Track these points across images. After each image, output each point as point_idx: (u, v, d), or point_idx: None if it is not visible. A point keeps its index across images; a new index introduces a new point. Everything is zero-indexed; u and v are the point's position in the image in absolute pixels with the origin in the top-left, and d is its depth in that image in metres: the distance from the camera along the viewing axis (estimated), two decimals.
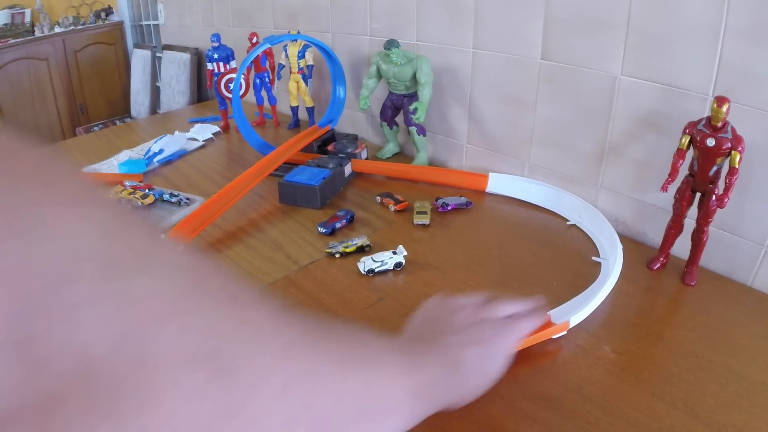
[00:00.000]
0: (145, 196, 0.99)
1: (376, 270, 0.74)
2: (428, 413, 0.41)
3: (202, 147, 1.33)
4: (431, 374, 0.41)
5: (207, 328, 0.23)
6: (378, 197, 0.96)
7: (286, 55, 1.32)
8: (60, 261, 0.19)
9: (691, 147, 0.67)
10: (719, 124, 0.62)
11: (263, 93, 1.43)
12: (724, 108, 0.60)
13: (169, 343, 0.21)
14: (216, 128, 1.42)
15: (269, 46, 1.14)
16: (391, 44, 1.02)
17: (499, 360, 0.48)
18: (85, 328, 0.19)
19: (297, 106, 1.41)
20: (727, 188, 0.63)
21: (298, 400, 0.27)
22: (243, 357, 0.24)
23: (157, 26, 2.37)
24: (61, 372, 0.18)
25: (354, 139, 1.20)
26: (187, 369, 0.22)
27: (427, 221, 0.87)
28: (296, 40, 1.28)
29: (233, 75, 1.38)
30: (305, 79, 1.33)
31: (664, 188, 0.68)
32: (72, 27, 2.65)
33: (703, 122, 0.64)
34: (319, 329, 0.32)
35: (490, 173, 0.98)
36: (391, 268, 0.75)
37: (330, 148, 1.15)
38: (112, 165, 1.22)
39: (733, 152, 0.62)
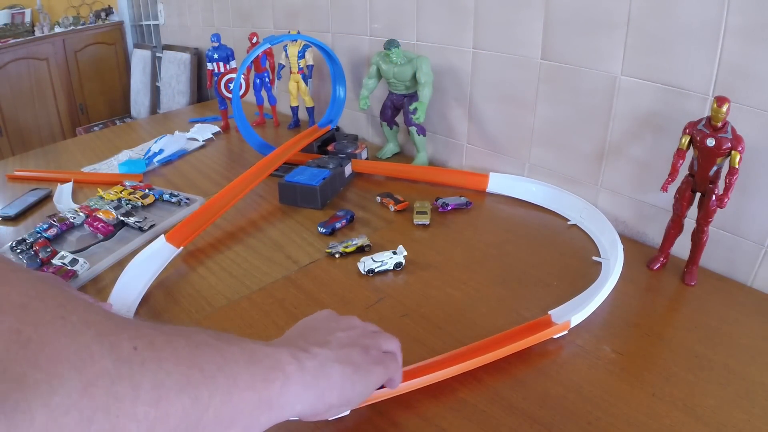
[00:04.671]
0: (145, 196, 0.99)
1: (376, 270, 0.74)
2: (279, 421, 0.39)
3: (202, 147, 1.33)
4: (289, 382, 0.40)
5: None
6: (378, 197, 0.96)
7: (286, 55, 1.32)
8: None
9: (691, 147, 0.67)
10: (719, 124, 0.62)
11: (263, 93, 1.43)
12: (724, 108, 0.60)
13: None
14: (216, 128, 1.42)
15: (269, 46, 1.14)
16: (391, 44, 1.02)
17: (362, 388, 0.45)
18: None
19: (297, 106, 1.41)
20: (727, 188, 0.63)
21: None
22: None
23: (157, 26, 2.37)
24: None
25: (354, 139, 1.20)
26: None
27: (427, 221, 0.87)
28: (296, 40, 1.28)
29: (233, 75, 1.38)
30: (305, 79, 1.33)
31: (664, 188, 0.68)
32: (72, 27, 2.65)
33: (703, 122, 0.64)
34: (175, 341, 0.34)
35: (491, 173, 0.98)
36: (391, 268, 0.75)
37: (330, 148, 1.15)
38: (112, 165, 1.22)
39: (733, 152, 0.62)
